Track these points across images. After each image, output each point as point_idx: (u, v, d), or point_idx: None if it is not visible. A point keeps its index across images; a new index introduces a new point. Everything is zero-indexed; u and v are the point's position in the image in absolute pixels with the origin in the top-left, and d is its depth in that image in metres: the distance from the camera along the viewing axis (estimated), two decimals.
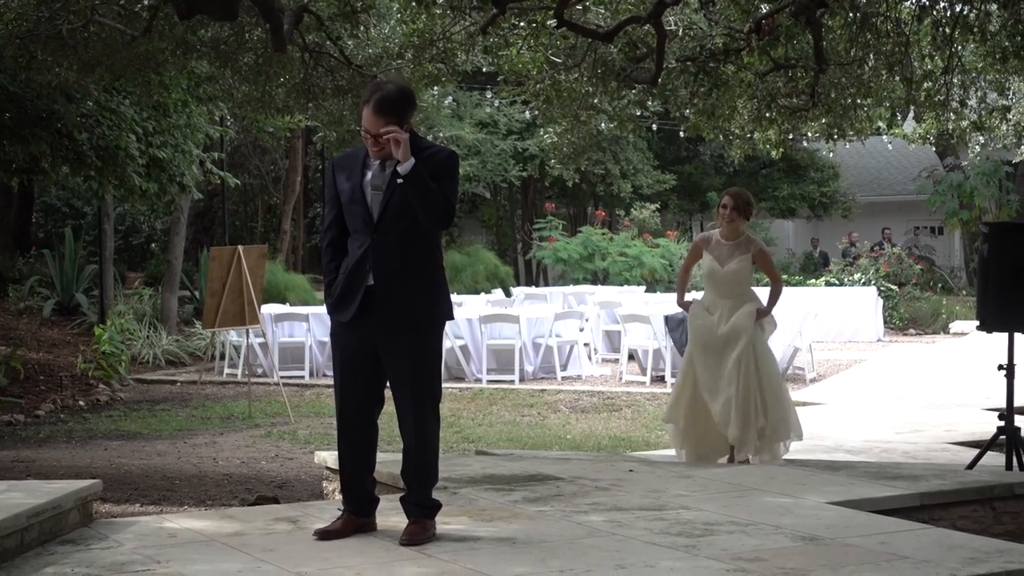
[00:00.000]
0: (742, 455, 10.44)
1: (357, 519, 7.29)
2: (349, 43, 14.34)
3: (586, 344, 22.20)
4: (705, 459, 10.62)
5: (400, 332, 7.06)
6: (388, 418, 7.41)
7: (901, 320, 30.17)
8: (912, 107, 16.85)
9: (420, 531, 7.07)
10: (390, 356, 7.13)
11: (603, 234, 33.88)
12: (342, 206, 7.27)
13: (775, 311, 11.01)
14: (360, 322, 7.14)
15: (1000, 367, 10.49)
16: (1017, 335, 10.42)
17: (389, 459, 8.26)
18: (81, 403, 18.10)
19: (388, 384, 7.28)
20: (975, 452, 10.77)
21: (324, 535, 7.18)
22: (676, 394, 10.92)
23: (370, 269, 7.10)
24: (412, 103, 7.22)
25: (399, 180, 7.05)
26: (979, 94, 16.73)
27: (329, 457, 9.61)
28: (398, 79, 8.85)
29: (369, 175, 7.17)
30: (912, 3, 14.70)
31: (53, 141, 16.83)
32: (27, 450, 14.06)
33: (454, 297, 25.63)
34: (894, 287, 30.62)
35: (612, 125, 16.54)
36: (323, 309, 21.53)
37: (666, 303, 22.70)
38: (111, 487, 10.78)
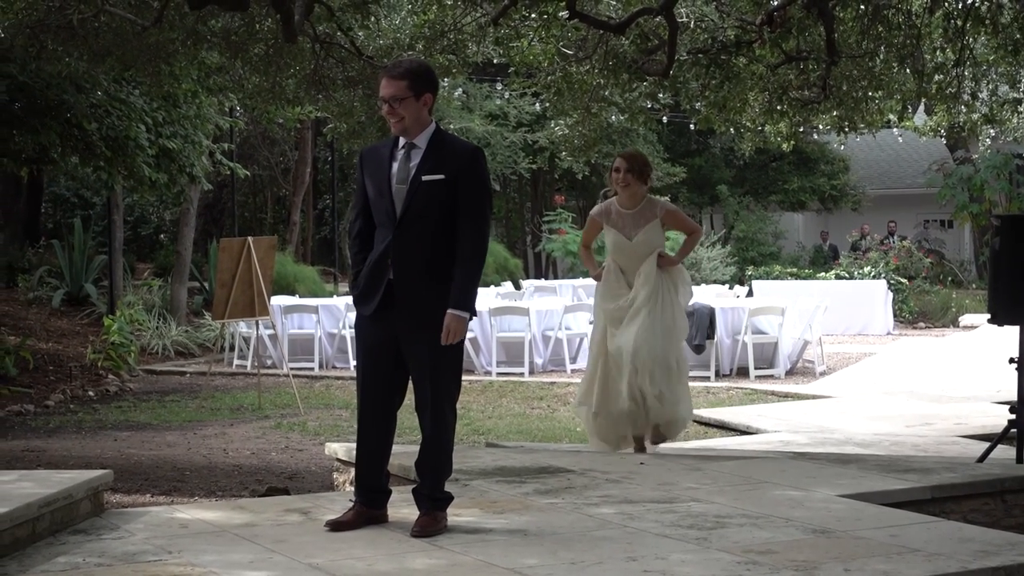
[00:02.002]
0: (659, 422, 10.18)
1: (368, 510, 7.29)
2: (360, 34, 14.35)
3: None
4: (614, 445, 10.35)
5: (420, 328, 7.07)
6: (401, 411, 7.41)
7: (911, 313, 30.16)
8: (923, 100, 16.88)
9: (432, 523, 7.08)
10: (410, 350, 7.14)
11: None
12: (368, 199, 7.29)
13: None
14: (382, 315, 7.15)
15: (1011, 360, 10.47)
16: None
17: (401, 451, 8.27)
18: (91, 393, 18.12)
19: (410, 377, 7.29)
20: (986, 445, 10.76)
21: (336, 526, 7.19)
22: (589, 375, 10.48)
23: (391, 264, 7.11)
24: (430, 77, 7.24)
25: (423, 178, 7.08)
26: (990, 87, 16.73)
27: (340, 449, 9.63)
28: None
29: (395, 168, 7.17)
30: None
31: (63, 131, 16.86)
32: (37, 440, 14.08)
33: None
34: (904, 280, 30.61)
35: (623, 117, 16.53)
36: (332, 301, 21.74)
37: None
38: (121, 477, 10.79)
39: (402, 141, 7.20)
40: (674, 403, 10.17)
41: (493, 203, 7.46)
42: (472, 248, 7.09)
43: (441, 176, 7.07)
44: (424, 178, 7.07)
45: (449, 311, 6.99)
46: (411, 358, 7.16)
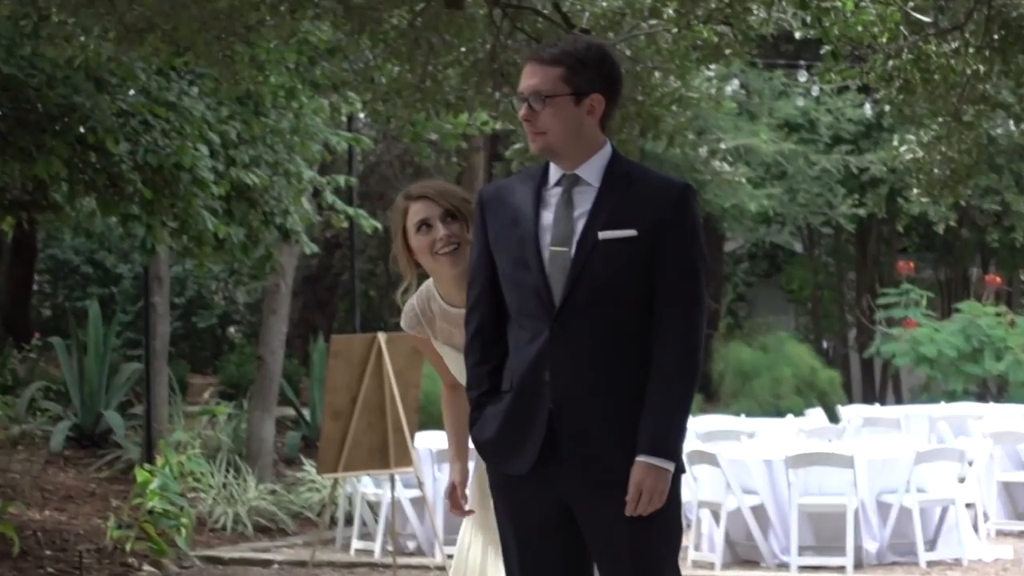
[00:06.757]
0: None
1: None
2: None
3: (970, 505, 22.04)
4: None
5: (606, 486, 7.04)
6: None
7: None
8: None
9: None
10: (593, 522, 7.14)
11: (998, 315, 33.68)
12: (497, 270, 7.24)
13: None
14: (542, 472, 7.12)
15: None
16: None
17: None
18: None
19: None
20: None
21: None
22: None
23: (549, 382, 7.05)
24: (603, 70, 7.16)
25: (600, 236, 7.00)
26: None
27: None
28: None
29: (547, 219, 7.12)
30: None
31: (71, 156, 17.06)
32: None
33: (740, 420, 25.55)
34: None
35: (1022, 127, 16.48)
36: None
37: None
38: None
39: (555, 173, 7.18)
40: None
41: (704, 271, 7.26)
42: (680, 351, 7.00)
43: (632, 232, 6.98)
44: (602, 235, 6.98)
45: (638, 459, 6.93)
46: (594, 533, 7.15)
